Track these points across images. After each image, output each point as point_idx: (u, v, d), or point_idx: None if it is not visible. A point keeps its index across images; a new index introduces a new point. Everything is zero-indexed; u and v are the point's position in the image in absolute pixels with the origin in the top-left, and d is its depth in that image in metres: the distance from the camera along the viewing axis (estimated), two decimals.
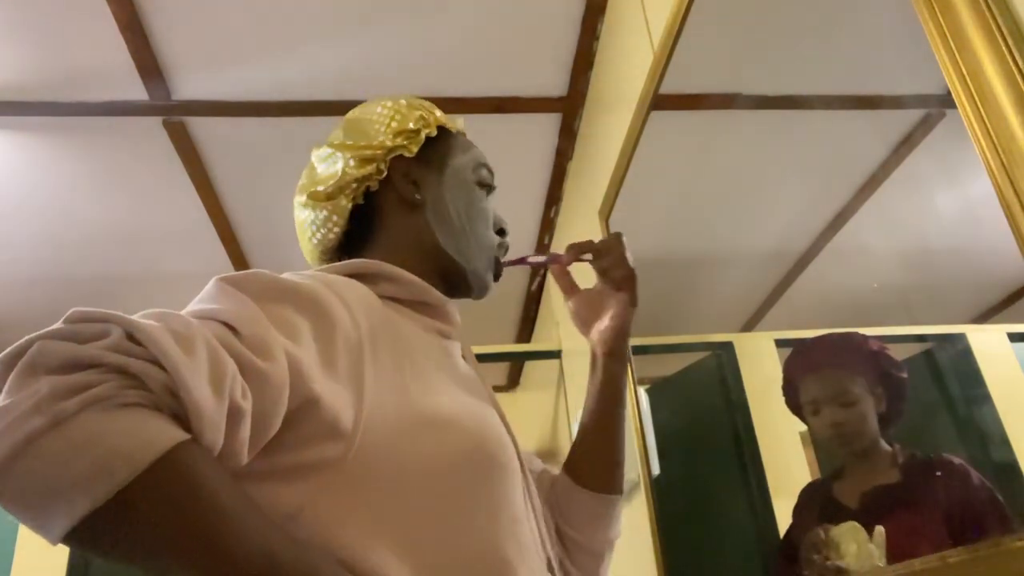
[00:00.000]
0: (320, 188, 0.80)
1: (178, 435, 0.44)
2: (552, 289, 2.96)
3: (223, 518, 0.44)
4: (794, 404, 1.23)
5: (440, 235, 0.80)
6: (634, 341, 1.98)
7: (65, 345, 0.44)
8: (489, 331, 3.42)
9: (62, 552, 2.67)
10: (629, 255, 0.89)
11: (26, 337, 0.45)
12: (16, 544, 2.70)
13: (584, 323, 0.92)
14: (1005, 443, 0.88)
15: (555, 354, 2.95)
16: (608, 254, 0.89)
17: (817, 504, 1.20)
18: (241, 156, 2.48)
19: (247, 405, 0.49)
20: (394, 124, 0.81)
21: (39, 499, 0.40)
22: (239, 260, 2.96)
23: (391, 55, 2.17)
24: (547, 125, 2.47)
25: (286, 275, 0.63)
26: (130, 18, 1.94)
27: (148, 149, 2.38)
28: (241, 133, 2.38)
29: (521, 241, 3.01)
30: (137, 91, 2.16)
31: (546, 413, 3.49)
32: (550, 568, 0.72)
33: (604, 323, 0.89)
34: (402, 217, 0.81)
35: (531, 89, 2.33)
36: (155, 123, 2.28)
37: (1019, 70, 0.73)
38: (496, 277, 0.86)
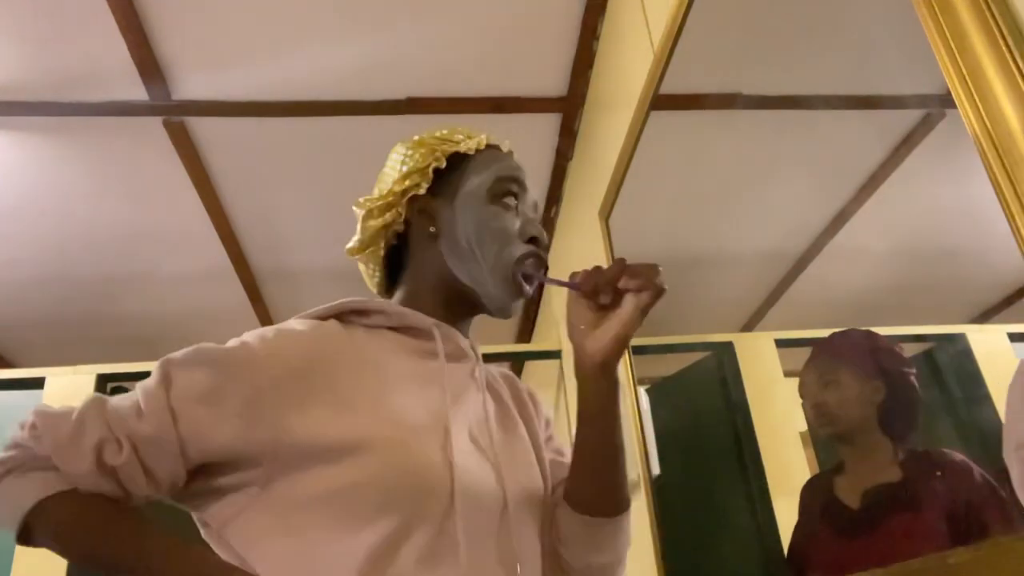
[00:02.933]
0: (353, 245, 0.89)
1: (45, 492, 0.66)
2: (552, 289, 2.96)
3: (99, 541, 0.67)
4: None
5: (452, 263, 0.84)
6: (634, 341, 1.97)
7: (17, 432, 0.71)
8: (489, 331, 3.42)
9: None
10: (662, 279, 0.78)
11: None
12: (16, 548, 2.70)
13: (575, 324, 0.80)
14: None
15: (555, 354, 2.94)
16: (640, 275, 0.76)
17: (819, 503, 1.20)
18: (241, 156, 2.48)
19: (119, 460, 0.66)
20: (406, 167, 0.86)
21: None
22: (239, 260, 2.96)
23: (391, 55, 2.17)
24: (547, 125, 2.47)
25: (256, 332, 0.76)
26: (130, 18, 1.94)
27: (148, 149, 2.38)
28: (241, 133, 2.38)
29: None
30: (137, 91, 2.16)
31: None
32: None
33: (608, 328, 0.76)
34: (424, 250, 0.86)
35: (531, 89, 2.33)
36: (155, 123, 2.28)
37: (1019, 70, 0.73)
38: (520, 291, 0.84)
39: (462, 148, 0.87)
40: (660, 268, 0.76)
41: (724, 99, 1.51)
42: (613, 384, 0.77)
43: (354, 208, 0.90)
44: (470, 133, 0.91)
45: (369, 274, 0.92)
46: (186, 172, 2.47)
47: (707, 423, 1.70)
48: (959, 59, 0.78)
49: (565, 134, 2.48)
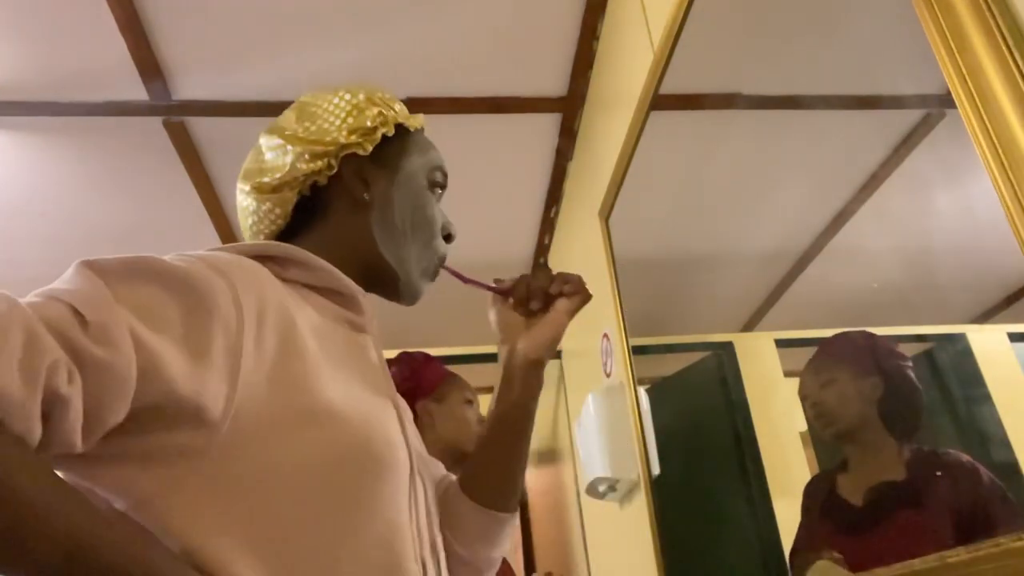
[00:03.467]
0: (266, 179, 0.78)
1: None
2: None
3: (22, 506, 0.44)
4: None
5: (380, 238, 0.79)
6: (634, 341, 1.99)
7: None
8: (488, 331, 3.41)
9: None
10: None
11: None
12: None
13: (510, 327, 0.84)
14: (1005, 443, 0.88)
15: (555, 354, 2.95)
16: (570, 281, 0.83)
17: (821, 501, 1.20)
18: (241, 156, 2.46)
19: (72, 391, 0.48)
20: (351, 120, 0.78)
21: None
22: None
23: (391, 55, 2.17)
24: (547, 125, 2.47)
25: (171, 256, 0.59)
26: (130, 18, 1.94)
27: (148, 149, 2.38)
28: (241, 133, 2.36)
29: (521, 241, 3.02)
30: (137, 91, 2.16)
31: (546, 413, 3.49)
32: None
33: (543, 329, 0.81)
34: (346, 214, 0.79)
35: (531, 89, 2.33)
36: (155, 123, 2.28)
37: (1019, 70, 0.73)
38: (429, 283, 0.84)
39: (410, 123, 0.84)
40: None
41: (724, 99, 1.51)
42: (540, 383, 0.82)
43: (268, 135, 0.81)
44: (415, 115, 0.88)
45: (262, 216, 0.79)
46: (186, 172, 2.47)
47: (707, 423, 1.70)
48: (959, 59, 0.78)
49: (565, 134, 2.48)
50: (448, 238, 0.85)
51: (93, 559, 0.46)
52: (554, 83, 2.31)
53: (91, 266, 0.54)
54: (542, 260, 2.98)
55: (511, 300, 0.85)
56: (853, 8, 1.10)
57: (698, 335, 1.80)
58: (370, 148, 0.79)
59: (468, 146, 2.43)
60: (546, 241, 2.96)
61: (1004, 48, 0.74)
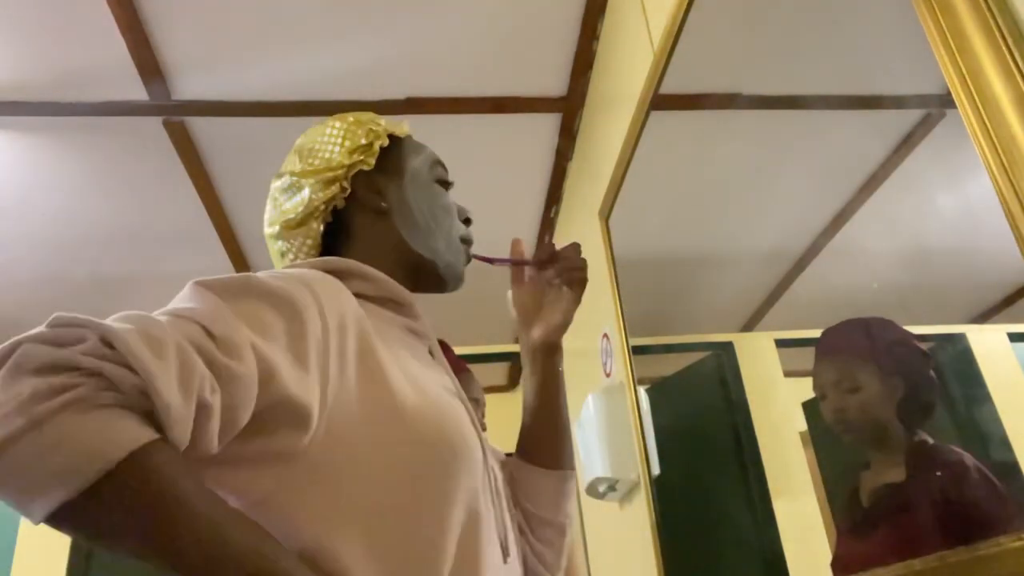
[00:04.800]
0: (291, 217, 0.84)
1: (144, 436, 0.48)
2: None
3: (184, 515, 0.49)
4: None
5: (408, 236, 0.85)
6: (634, 341, 1.99)
7: (46, 349, 0.49)
8: (489, 331, 3.42)
9: (63, 544, 2.67)
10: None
11: (11, 340, 0.49)
12: (17, 535, 2.70)
13: (527, 313, 0.94)
14: (1005, 443, 0.88)
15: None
16: (570, 258, 0.92)
17: (844, 500, 1.18)
18: (241, 156, 2.48)
19: (215, 400, 0.53)
20: (347, 143, 0.85)
21: (21, 489, 0.46)
22: (239, 259, 2.96)
23: (391, 55, 2.17)
24: (547, 125, 2.47)
25: (262, 274, 0.65)
26: (130, 18, 1.94)
27: (148, 149, 2.38)
28: (241, 133, 2.38)
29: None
30: (137, 91, 2.16)
31: None
32: (505, 556, 0.74)
33: (554, 317, 0.91)
34: (371, 226, 0.85)
35: (531, 89, 2.33)
36: (155, 123, 2.28)
37: (1019, 70, 0.73)
38: (466, 263, 0.92)
39: (398, 131, 0.90)
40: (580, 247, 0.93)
41: (724, 99, 1.51)
42: (556, 361, 0.92)
43: (278, 180, 0.87)
44: (398, 123, 0.94)
45: (296, 249, 0.85)
46: (186, 172, 2.47)
47: (707, 423, 1.70)
48: (959, 59, 0.78)
49: (565, 134, 2.48)
50: (467, 222, 0.93)
51: (230, 557, 0.50)
52: (554, 83, 2.31)
53: (205, 286, 0.60)
54: (547, 238, 2.97)
55: (529, 274, 0.94)
56: (853, 8, 1.10)
57: (698, 335, 1.80)
58: (373, 161, 0.85)
59: (468, 146, 2.43)
60: (546, 241, 2.96)
61: (1004, 48, 0.74)
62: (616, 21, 2.05)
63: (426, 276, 0.87)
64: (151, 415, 0.49)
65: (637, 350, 1.95)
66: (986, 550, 0.78)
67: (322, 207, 0.83)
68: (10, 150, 2.35)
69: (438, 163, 0.93)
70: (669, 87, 1.64)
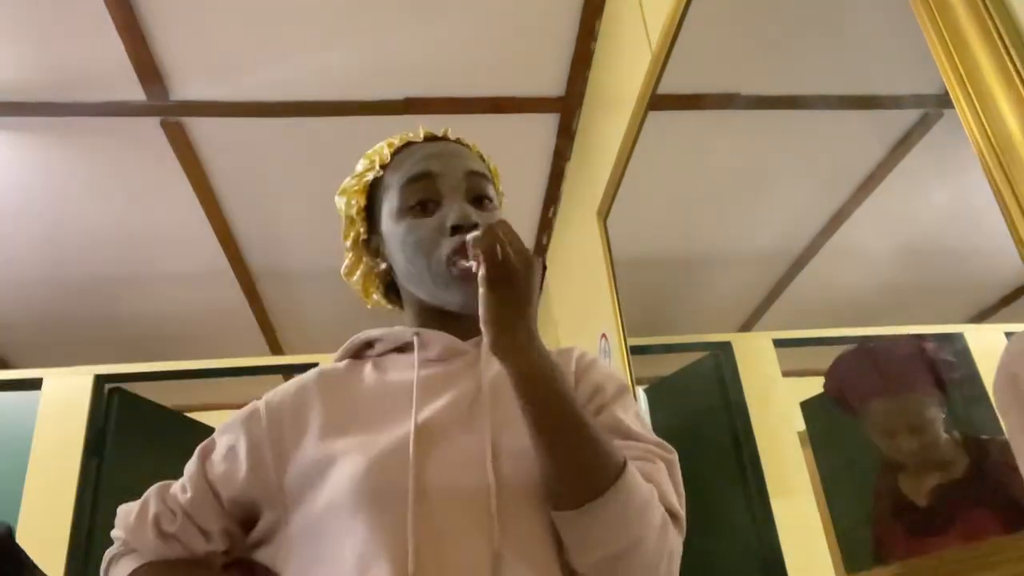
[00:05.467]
0: (357, 289, 0.94)
1: (129, 569, 0.78)
2: (550, 288, 2.96)
3: None
4: (850, 411, 1.20)
5: (407, 285, 0.86)
6: (632, 341, 1.99)
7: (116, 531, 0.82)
8: None
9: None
10: (502, 247, 0.65)
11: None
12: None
13: None
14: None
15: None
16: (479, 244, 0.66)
17: (890, 497, 1.18)
18: (238, 156, 2.48)
19: (174, 527, 0.77)
20: (344, 220, 0.91)
21: None
22: (236, 260, 2.96)
23: (390, 55, 2.17)
24: (545, 125, 2.47)
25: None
26: (128, 19, 1.94)
27: (146, 149, 2.37)
28: (238, 133, 2.37)
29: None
30: (135, 92, 2.16)
31: None
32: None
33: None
34: (396, 279, 0.89)
35: (529, 89, 2.33)
36: (153, 124, 2.28)
37: (1016, 70, 0.73)
38: (465, 283, 0.76)
39: (371, 176, 0.88)
40: (494, 229, 0.65)
41: (722, 99, 1.51)
42: (512, 369, 0.67)
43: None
44: (381, 148, 0.90)
45: (378, 298, 0.96)
46: (183, 172, 2.46)
47: (705, 423, 1.70)
48: (957, 59, 0.78)
49: (563, 134, 2.48)
50: (456, 229, 0.78)
51: None
52: (552, 83, 2.31)
53: (203, 443, 0.82)
54: (545, 241, 2.97)
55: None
56: (851, 8, 1.10)
57: (696, 335, 1.80)
58: (363, 228, 0.89)
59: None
60: (544, 241, 2.96)
61: (1001, 48, 0.74)
62: (614, 21, 2.05)
63: (440, 313, 0.83)
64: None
65: (635, 350, 1.95)
66: (986, 550, 0.78)
67: (361, 278, 0.92)
68: (8, 150, 2.35)
69: (407, 184, 0.82)
70: (667, 87, 1.64)
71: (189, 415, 3.14)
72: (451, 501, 0.69)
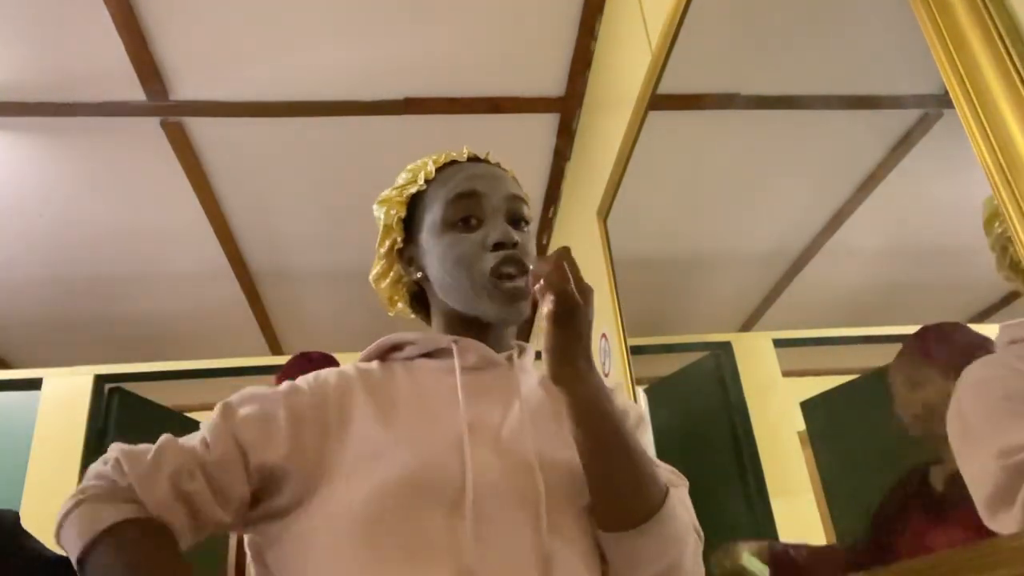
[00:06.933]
0: (385, 297, 0.97)
1: (119, 516, 0.69)
2: None
3: (134, 569, 0.68)
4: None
5: (446, 296, 0.87)
6: (632, 341, 1.99)
7: (97, 466, 0.75)
8: None
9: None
10: (567, 284, 0.69)
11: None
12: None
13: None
14: None
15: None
16: (543, 279, 0.70)
17: (915, 485, 1.17)
18: (238, 156, 2.48)
19: (193, 486, 0.71)
20: (381, 226, 0.92)
21: (68, 540, 0.70)
22: (236, 259, 2.96)
23: (390, 55, 2.17)
24: (545, 125, 2.47)
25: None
26: (128, 19, 1.94)
27: (146, 149, 2.38)
28: (239, 133, 2.37)
29: None
30: (135, 92, 2.16)
31: None
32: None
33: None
34: (428, 288, 0.91)
35: (529, 89, 2.33)
36: (153, 124, 2.28)
37: (1016, 70, 0.73)
38: (512, 297, 0.82)
39: (414, 189, 0.91)
40: (563, 266, 0.69)
41: (722, 99, 1.51)
42: (572, 398, 0.71)
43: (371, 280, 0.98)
44: (425, 163, 0.92)
45: (403, 309, 0.99)
46: (184, 172, 2.47)
47: (705, 423, 1.70)
48: (957, 59, 0.78)
49: (563, 134, 2.48)
50: (498, 247, 0.82)
51: None
52: (552, 83, 2.31)
53: (222, 404, 0.79)
54: (544, 241, 2.96)
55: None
56: (851, 8, 1.10)
57: (696, 335, 1.80)
58: (401, 237, 0.91)
59: (466, 146, 2.43)
60: (544, 241, 2.96)
61: (1001, 48, 0.75)
62: (614, 21, 2.05)
63: (479, 324, 0.86)
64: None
65: (635, 350, 1.95)
66: (986, 549, 0.78)
67: (389, 290, 0.94)
68: (9, 150, 2.35)
69: (454, 199, 0.85)
70: (667, 87, 1.64)
71: (189, 415, 3.14)
72: (505, 501, 0.73)
